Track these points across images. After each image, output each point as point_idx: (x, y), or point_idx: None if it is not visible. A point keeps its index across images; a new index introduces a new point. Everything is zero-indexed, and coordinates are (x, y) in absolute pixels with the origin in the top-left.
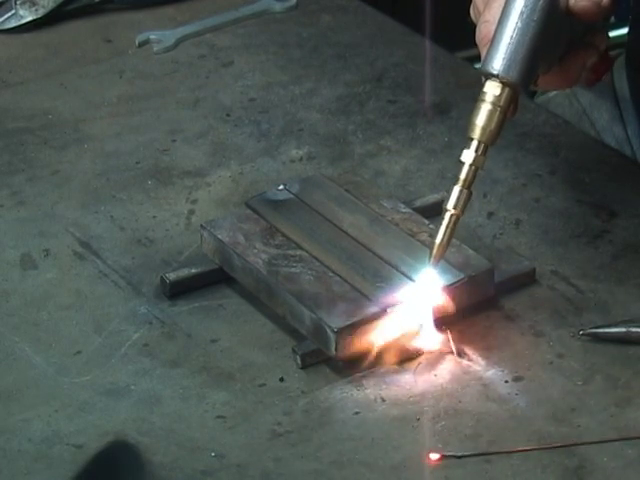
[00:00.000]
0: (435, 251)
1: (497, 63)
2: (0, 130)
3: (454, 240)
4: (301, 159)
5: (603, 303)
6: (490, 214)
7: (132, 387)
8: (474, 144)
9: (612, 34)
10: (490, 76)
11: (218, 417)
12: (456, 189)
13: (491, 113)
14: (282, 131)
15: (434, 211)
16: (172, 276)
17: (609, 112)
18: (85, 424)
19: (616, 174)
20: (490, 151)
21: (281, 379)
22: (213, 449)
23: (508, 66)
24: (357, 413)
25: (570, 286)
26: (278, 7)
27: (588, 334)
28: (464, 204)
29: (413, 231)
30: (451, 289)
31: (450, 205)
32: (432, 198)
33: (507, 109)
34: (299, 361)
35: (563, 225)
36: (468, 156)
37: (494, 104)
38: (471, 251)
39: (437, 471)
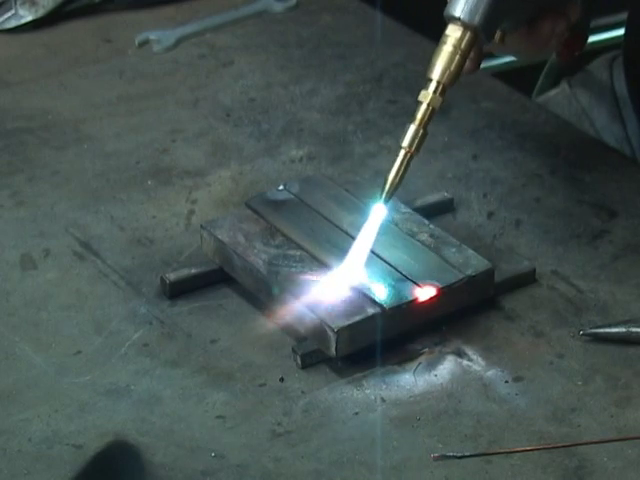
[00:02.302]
0: (388, 187)
1: (459, 7)
2: (0, 130)
3: (454, 240)
4: (301, 159)
5: (603, 303)
6: (490, 214)
7: (132, 387)
8: (433, 85)
9: (610, 35)
10: (452, 20)
11: (218, 417)
12: (412, 128)
13: (452, 55)
14: (282, 131)
15: (434, 211)
16: (172, 276)
17: (608, 111)
18: (85, 424)
19: (616, 174)
20: (490, 151)
21: (281, 379)
22: (213, 449)
23: (470, 10)
24: (357, 413)
25: (570, 286)
26: (278, 7)
27: (588, 334)
28: (419, 143)
29: (413, 231)
30: (451, 289)
31: (405, 143)
32: (432, 198)
33: (467, 53)
34: (299, 361)
35: (563, 225)
36: (426, 96)
37: (455, 47)
38: (471, 251)
39: (437, 471)
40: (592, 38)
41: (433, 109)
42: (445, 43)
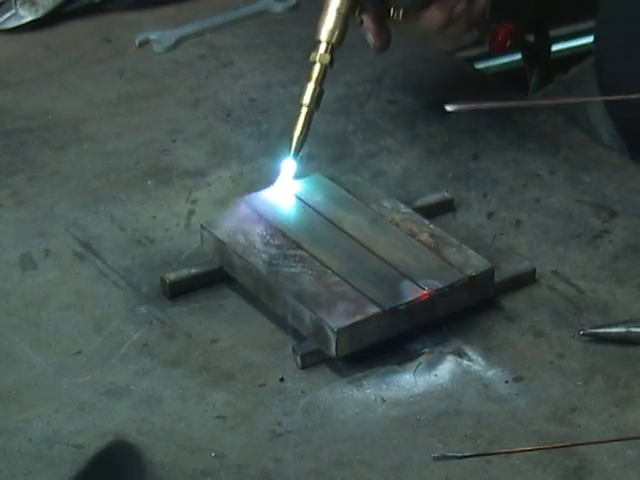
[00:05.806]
0: (295, 142)
1: None
2: (0, 130)
3: (454, 240)
4: (301, 159)
5: (603, 303)
6: (490, 214)
7: (132, 387)
8: (323, 45)
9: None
10: None
11: (218, 417)
12: (310, 86)
13: (336, 19)
14: (282, 131)
15: (434, 211)
16: (172, 276)
17: (600, 108)
18: (85, 424)
19: (616, 174)
20: (490, 151)
21: (281, 379)
22: (213, 449)
23: None
24: (357, 413)
25: (570, 286)
26: (278, 7)
27: (588, 334)
28: (318, 99)
29: (413, 231)
30: (451, 289)
31: (306, 101)
32: (432, 198)
33: (349, 15)
34: (299, 361)
35: (563, 225)
36: (317, 56)
37: (338, 11)
38: (471, 251)
39: (437, 471)
40: (590, 38)
41: (326, 67)
42: (328, 6)
